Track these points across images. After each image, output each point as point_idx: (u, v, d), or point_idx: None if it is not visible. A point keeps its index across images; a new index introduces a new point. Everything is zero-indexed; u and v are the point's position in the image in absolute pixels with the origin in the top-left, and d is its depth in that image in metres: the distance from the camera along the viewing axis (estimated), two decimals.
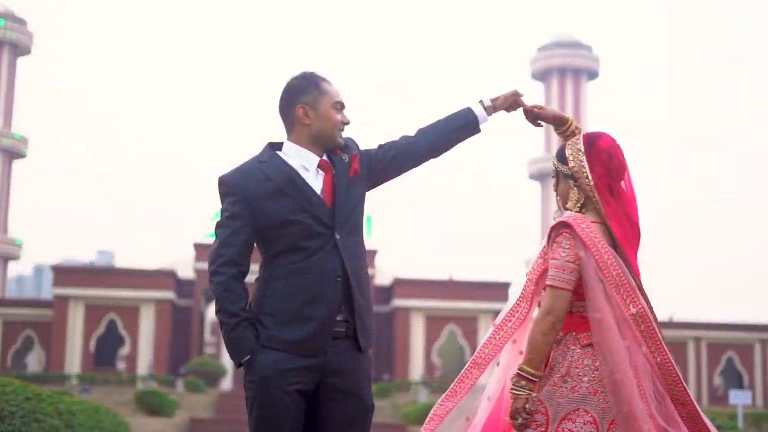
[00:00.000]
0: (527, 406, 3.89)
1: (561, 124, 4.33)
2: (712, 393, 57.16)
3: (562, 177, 4.21)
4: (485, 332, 4.40)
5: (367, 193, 4.31)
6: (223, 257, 4.03)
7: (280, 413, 3.96)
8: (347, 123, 4.20)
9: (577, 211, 4.12)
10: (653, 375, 3.90)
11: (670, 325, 58.63)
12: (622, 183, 4.14)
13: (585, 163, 4.11)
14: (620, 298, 3.90)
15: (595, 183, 4.07)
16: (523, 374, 3.92)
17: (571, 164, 4.15)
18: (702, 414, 3.93)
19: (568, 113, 4.45)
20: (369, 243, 54.13)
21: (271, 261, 4.09)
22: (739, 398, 22.47)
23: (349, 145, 4.24)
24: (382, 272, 58.17)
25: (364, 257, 4.18)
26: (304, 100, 4.14)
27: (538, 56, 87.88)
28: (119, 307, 54.74)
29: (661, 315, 61.30)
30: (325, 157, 4.17)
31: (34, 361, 55.63)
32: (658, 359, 3.89)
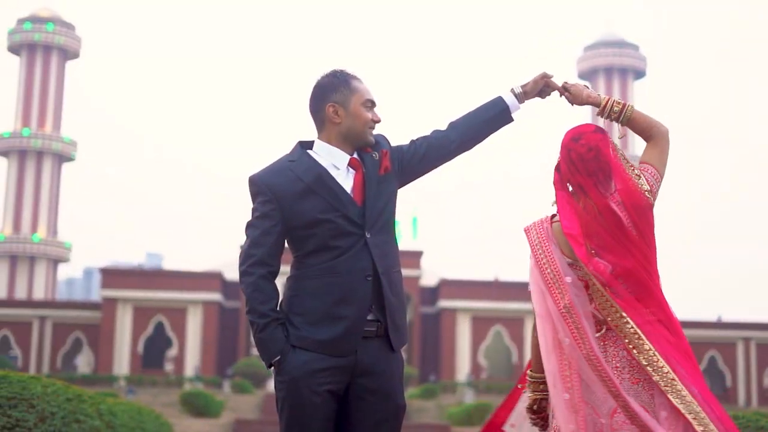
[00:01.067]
0: (535, 407, 4.08)
1: (596, 106, 4.25)
2: (762, 394, 56.52)
3: None
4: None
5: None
6: (254, 257, 3.99)
7: (310, 414, 3.92)
8: (378, 121, 4.14)
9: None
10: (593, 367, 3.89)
11: (719, 325, 58.08)
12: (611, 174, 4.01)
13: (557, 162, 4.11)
14: (557, 293, 3.98)
15: (554, 180, 4.06)
16: (527, 377, 4.13)
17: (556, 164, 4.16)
18: (635, 405, 3.78)
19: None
20: (414, 244, 54.05)
21: (301, 260, 4.05)
22: None
23: (380, 143, 4.18)
24: (428, 273, 58.07)
25: (395, 256, 4.13)
26: (334, 98, 4.09)
27: (585, 56, 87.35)
28: (167, 308, 55.18)
29: (708, 315, 60.74)
30: (355, 156, 4.12)
31: (84, 363, 56.22)
32: (584, 352, 3.87)
